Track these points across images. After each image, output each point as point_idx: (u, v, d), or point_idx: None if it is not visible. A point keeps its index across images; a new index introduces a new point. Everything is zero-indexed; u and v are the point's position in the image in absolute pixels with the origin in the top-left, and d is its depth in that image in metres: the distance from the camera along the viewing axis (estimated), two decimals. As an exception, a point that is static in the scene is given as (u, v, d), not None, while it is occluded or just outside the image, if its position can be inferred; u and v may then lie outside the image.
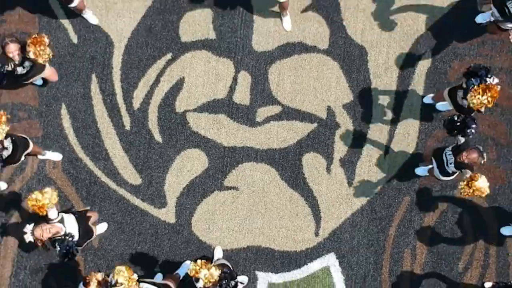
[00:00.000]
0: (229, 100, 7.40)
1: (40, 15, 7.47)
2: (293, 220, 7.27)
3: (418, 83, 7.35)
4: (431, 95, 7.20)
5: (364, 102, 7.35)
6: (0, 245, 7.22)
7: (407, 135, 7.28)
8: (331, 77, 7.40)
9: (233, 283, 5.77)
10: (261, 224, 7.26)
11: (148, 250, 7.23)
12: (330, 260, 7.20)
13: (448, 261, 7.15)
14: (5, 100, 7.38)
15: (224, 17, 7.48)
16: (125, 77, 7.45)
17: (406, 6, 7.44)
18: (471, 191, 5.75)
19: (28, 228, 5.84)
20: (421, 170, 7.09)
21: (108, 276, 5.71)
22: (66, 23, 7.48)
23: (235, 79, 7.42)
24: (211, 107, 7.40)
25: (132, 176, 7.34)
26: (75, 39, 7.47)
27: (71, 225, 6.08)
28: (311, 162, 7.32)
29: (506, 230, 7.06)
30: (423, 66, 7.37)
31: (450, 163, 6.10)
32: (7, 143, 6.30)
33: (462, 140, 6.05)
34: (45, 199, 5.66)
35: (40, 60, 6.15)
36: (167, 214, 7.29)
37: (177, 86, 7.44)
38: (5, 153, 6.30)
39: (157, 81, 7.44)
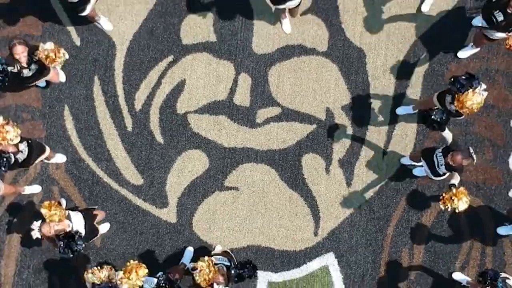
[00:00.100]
0: (229, 102, 7.44)
1: (44, 18, 7.51)
2: (292, 220, 7.31)
3: (415, 85, 7.39)
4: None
5: (362, 103, 7.39)
6: (4, 244, 7.25)
7: (405, 136, 7.32)
8: (330, 79, 7.45)
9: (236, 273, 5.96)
10: (261, 223, 7.30)
11: (150, 249, 7.27)
12: (329, 260, 7.23)
13: (445, 260, 7.18)
14: (8, 102, 7.42)
15: (225, 20, 7.51)
16: (127, 79, 7.49)
17: (404, 9, 7.48)
18: (448, 206, 5.82)
19: (36, 224, 5.85)
20: (418, 171, 7.12)
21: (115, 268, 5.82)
22: (69, 26, 7.52)
23: (235, 81, 7.46)
24: (211, 108, 7.44)
25: (134, 177, 7.38)
26: (77, 42, 7.51)
27: (78, 223, 6.11)
28: (310, 163, 7.36)
29: (502, 230, 7.10)
30: (420, 68, 7.41)
31: (441, 165, 6.14)
32: (23, 147, 6.25)
33: (449, 140, 6.08)
34: (54, 214, 5.75)
35: (53, 65, 6.15)
36: (169, 214, 7.33)
37: (178, 88, 7.48)
38: (21, 157, 6.23)
39: (158, 83, 7.48)
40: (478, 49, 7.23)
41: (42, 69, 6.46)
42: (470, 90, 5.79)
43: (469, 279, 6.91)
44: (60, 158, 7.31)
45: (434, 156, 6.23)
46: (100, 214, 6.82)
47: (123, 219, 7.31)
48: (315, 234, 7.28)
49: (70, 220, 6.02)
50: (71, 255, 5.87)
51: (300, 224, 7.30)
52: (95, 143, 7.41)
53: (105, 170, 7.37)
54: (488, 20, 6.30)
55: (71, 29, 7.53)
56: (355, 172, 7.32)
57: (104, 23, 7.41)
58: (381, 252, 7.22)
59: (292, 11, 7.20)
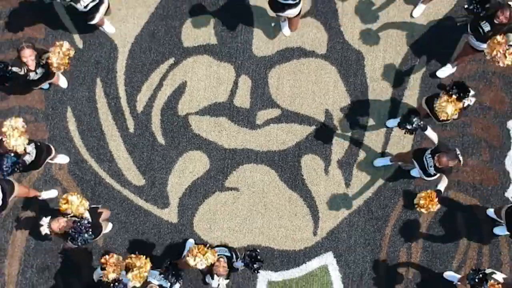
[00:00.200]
0: (230, 104, 7.49)
1: (47, 21, 7.56)
2: (292, 220, 7.35)
3: (413, 87, 7.44)
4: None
5: (361, 105, 7.44)
6: (8, 244, 7.28)
7: (403, 138, 7.36)
8: (329, 81, 7.50)
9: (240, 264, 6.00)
10: (261, 223, 7.34)
11: (151, 249, 7.31)
12: (328, 259, 7.27)
13: (443, 259, 7.21)
14: (12, 104, 7.47)
15: (225, 23, 7.56)
16: (129, 81, 7.54)
17: (402, 12, 7.54)
18: (422, 210, 5.96)
19: (45, 220, 5.86)
20: (415, 172, 7.11)
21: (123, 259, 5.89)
22: (71, 28, 7.58)
23: (235, 83, 7.52)
24: (212, 110, 7.48)
25: (135, 177, 7.43)
26: (80, 44, 7.57)
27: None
28: (310, 164, 7.40)
29: (498, 230, 7.14)
30: (418, 70, 7.46)
31: (430, 166, 6.17)
32: (30, 149, 6.29)
33: (434, 139, 6.08)
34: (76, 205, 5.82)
35: (61, 68, 6.22)
36: (170, 214, 7.37)
37: (180, 90, 7.53)
38: (28, 158, 6.27)
39: (160, 85, 7.53)
40: (455, 69, 7.31)
41: (48, 73, 6.54)
42: (445, 96, 5.89)
43: (459, 276, 6.99)
44: (63, 159, 7.35)
45: (424, 157, 6.26)
46: (105, 212, 6.83)
47: (125, 219, 7.35)
48: (314, 234, 7.32)
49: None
50: (81, 244, 5.87)
51: (299, 224, 7.34)
52: (98, 144, 7.46)
53: (107, 170, 7.42)
54: (475, 31, 6.33)
55: (74, 31, 7.58)
56: (354, 173, 7.37)
57: (106, 26, 7.48)
58: (379, 252, 7.26)
59: (291, 22, 7.21)
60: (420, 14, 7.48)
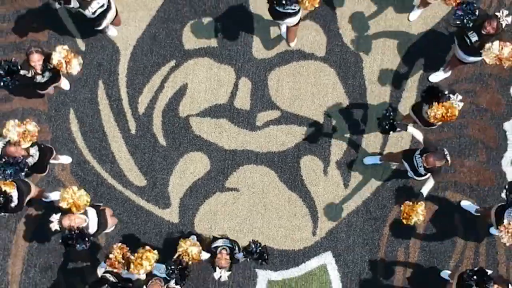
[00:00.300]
0: (230, 105, 7.54)
1: (50, 24, 7.62)
2: (291, 220, 7.40)
3: (411, 89, 7.50)
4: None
5: (359, 107, 7.49)
6: (11, 243, 7.32)
7: (401, 139, 7.42)
8: (328, 83, 7.56)
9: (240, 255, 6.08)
10: (261, 223, 7.39)
11: (153, 248, 7.29)
12: (327, 259, 7.31)
13: (440, 259, 7.25)
14: (15, 106, 7.53)
15: (226, 26, 7.62)
16: (131, 83, 7.60)
17: (400, 15, 7.60)
18: (404, 220, 6.03)
19: (55, 217, 5.92)
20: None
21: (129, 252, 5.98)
22: (74, 31, 7.64)
23: (236, 85, 7.57)
24: (213, 112, 7.54)
25: (137, 178, 7.48)
26: (83, 47, 7.63)
27: (92, 218, 6.21)
28: (309, 165, 7.45)
29: (495, 230, 7.09)
30: (416, 72, 7.51)
31: (420, 166, 6.18)
32: (33, 151, 6.36)
33: (419, 138, 6.11)
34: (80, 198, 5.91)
35: (68, 70, 6.30)
36: (171, 215, 7.42)
37: (181, 92, 7.58)
38: (31, 160, 6.33)
39: (161, 87, 7.59)
40: (449, 74, 7.36)
41: (55, 76, 6.61)
42: (436, 103, 5.92)
43: (449, 272, 7.06)
44: (65, 160, 7.41)
45: (414, 157, 6.27)
46: (107, 210, 6.83)
47: (127, 219, 7.40)
48: (314, 233, 7.37)
49: (87, 215, 6.11)
50: (79, 247, 5.94)
51: (299, 224, 7.38)
52: (100, 145, 7.51)
53: (109, 171, 7.48)
54: (461, 41, 6.33)
55: (76, 34, 7.64)
56: (352, 174, 7.41)
57: (110, 30, 7.53)
58: (377, 252, 7.30)
59: (289, 31, 7.22)
60: (417, 18, 7.55)
